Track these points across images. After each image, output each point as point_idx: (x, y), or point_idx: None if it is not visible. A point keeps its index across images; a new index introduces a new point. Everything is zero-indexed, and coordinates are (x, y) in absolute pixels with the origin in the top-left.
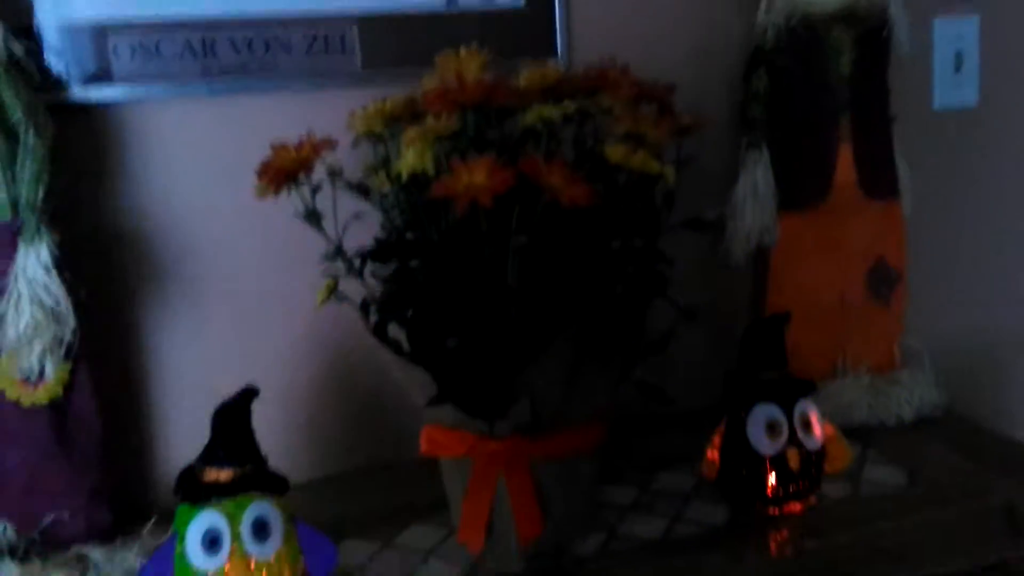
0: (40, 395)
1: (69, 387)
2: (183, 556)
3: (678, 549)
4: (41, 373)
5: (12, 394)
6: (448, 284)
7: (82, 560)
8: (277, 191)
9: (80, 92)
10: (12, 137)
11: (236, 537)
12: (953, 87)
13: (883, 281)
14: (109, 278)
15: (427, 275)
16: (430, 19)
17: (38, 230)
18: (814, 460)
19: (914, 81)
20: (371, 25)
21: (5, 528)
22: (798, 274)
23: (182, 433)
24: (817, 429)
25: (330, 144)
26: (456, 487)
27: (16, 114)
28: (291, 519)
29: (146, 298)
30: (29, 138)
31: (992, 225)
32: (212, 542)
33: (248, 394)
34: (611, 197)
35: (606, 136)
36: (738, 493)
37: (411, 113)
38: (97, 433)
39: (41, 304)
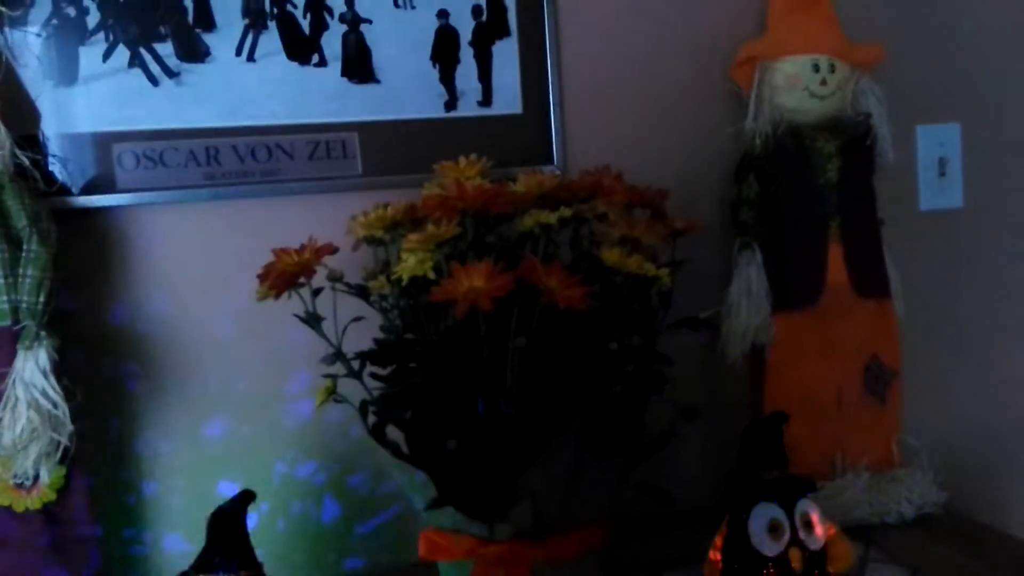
0: (33, 500)
1: (63, 491)
2: None
3: None
4: (35, 478)
5: (4, 500)
6: (447, 386)
7: None
8: (278, 295)
9: (83, 199)
10: (15, 243)
11: None
12: (938, 191)
13: (879, 379)
14: (105, 379)
15: (426, 377)
16: (429, 126)
17: (38, 336)
18: (817, 560)
19: (901, 185)
20: (371, 132)
21: None
22: (795, 372)
23: (176, 536)
24: (819, 528)
25: (330, 249)
26: None
27: (21, 222)
28: None
29: (142, 400)
30: (33, 245)
31: (983, 321)
32: None
33: (245, 498)
34: (608, 298)
35: (602, 239)
36: None
37: (411, 219)
38: (92, 537)
39: (38, 409)
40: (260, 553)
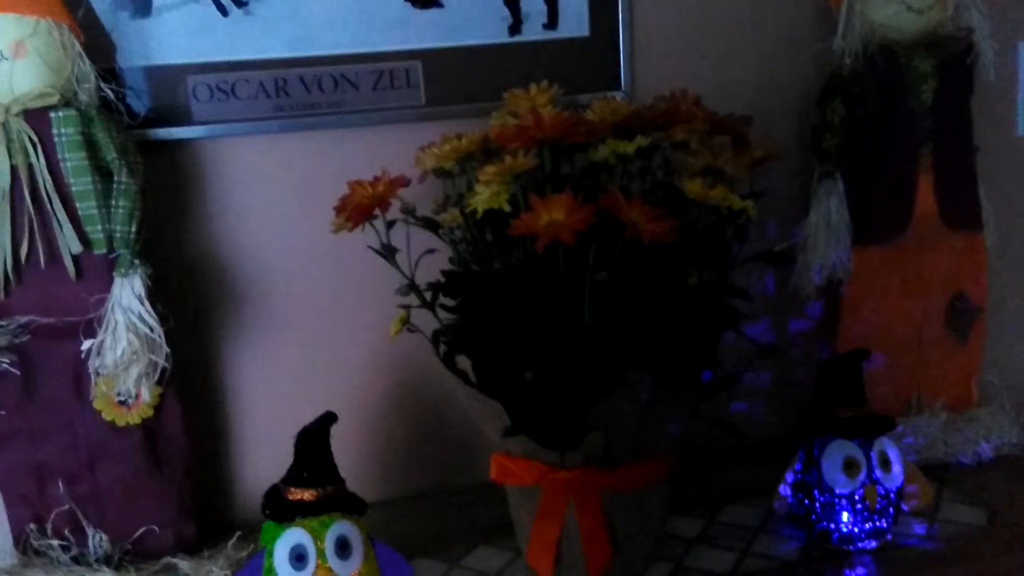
0: (133, 416)
1: (159, 409)
2: (271, 570)
3: None
4: (135, 396)
5: (108, 415)
6: (523, 318)
7: (171, 570)
8: (354, 227)
9: (162, 132)
10: (106, 176)
11: (320, 554)
12: None
13: (962, 316)
14: (188, 307)
15: (500, 309)
16: (493, 52)
17: (132, 263)
18: (892, 498)
19: (996, 108)
20: (435, 59)
21: (101, 539)
22: (873, 309)
23: (258, 454)
24: (897, 467)
25: (404, 181)
26: (523, 513)
27: (110, 154)
28: (369, 538)
29: (223, 326)
30: (123, 177)
31: None
32: (299, 558)
33: (327, 419)
34: (685, 232)
35: (680, 169)
36: (811, 529)
37: (483, 150)
38: (185, 452)
39: (137, 332)
40: None
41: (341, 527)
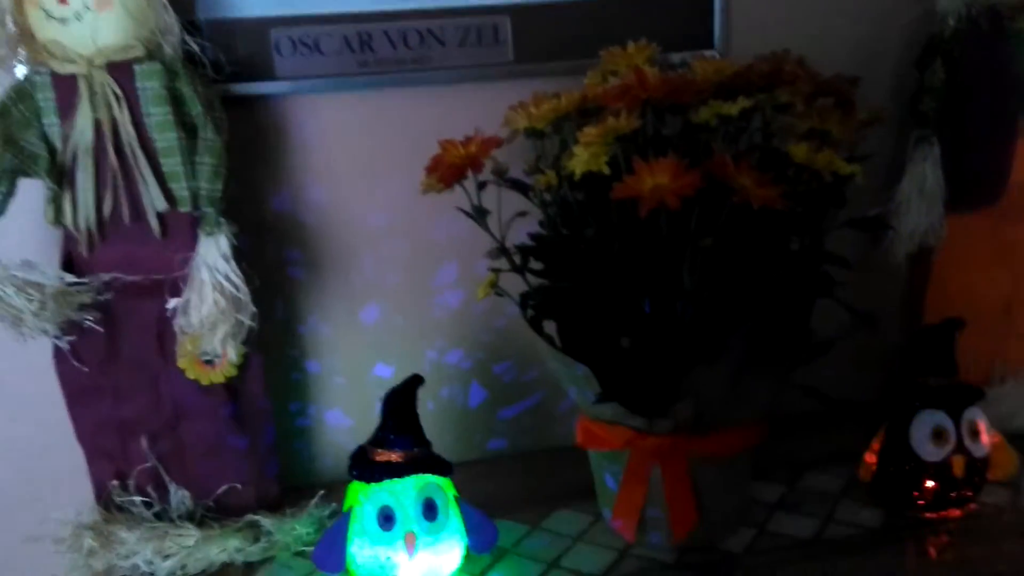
0: (217, 375)
1: (243, 368)
2: (359, 529)
3: (833, 549)
4: (220, 355)
5: (192, 374)
6: (618, 283)
7: (254, 527)
8: (447, 187)
9: (244, 87)
10: (191, 131)
11: (408, 515)
12: None
13: None
14: (269, 265)
15: (594, 274)
16: (582, 7)
17: (218, 222)
18: (979, 467)
19: None
20: (522, 15)
21: (184, 496)
22: (962, 278)
23: (340, 415)
24: (984, 437)
25: (498, 142)
26: (607, 477)
27: (196, 109)
28: (455, 499)
29: (304, 285)
30: (208, 132)
31: None
32: (387, 518)
33: (414, 381)
34: (785, 197)
35: (782, 132)
36: (896, 497)
37: (580, 110)
38: (267, 411)
39: (222, 291)
40: None
41: (428, 488)
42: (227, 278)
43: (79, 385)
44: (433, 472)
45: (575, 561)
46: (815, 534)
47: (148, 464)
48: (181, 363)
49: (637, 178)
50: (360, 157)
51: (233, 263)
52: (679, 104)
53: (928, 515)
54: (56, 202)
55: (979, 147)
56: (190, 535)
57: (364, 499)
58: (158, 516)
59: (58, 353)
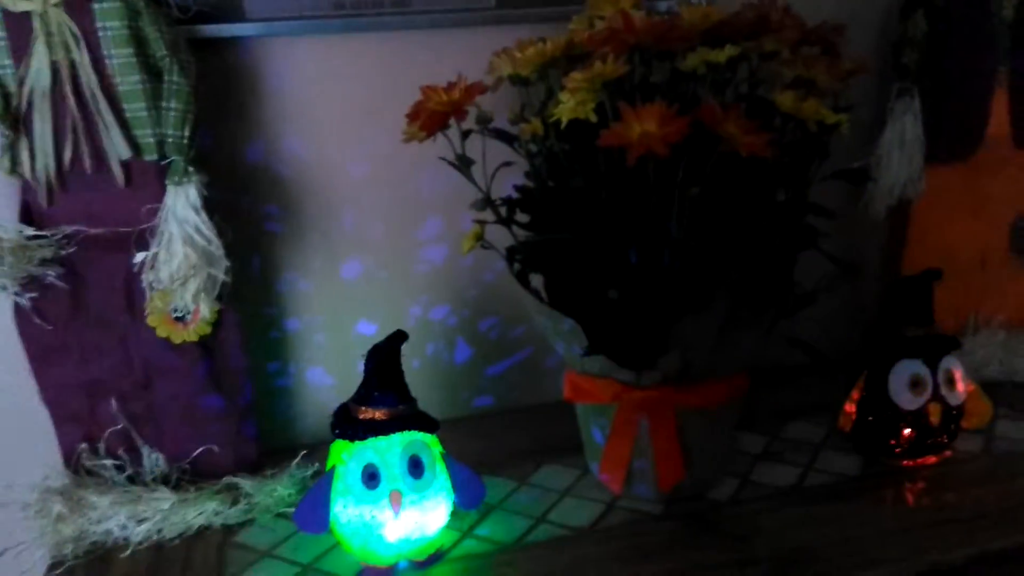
0: (190, 333)
1: (217, 325)
2: (343, 488)
3: (813, 497)
4: (192, 312)
5: (163, 332)
6: (605, 234)
7: (233, 489)
8: (429, 135)
9: (212, 28)
10: (155, 75)
11: (394, 473)
12: None
13: None
14: (244, 219)
15: (581, 225)
16: None
17: (186, 171)
18: (955, 415)
19: None
20: None
21: (157, 459)
22: (940, 229)
23: (319, 370)
24: (960, 386)
25: (482, 88)
26: (595, 431)
27: (161, 51)
28: (442, 456)
29: (282, 240)
30: (175, 76)
31: None
32: (371, 476)
33: (398, 337)
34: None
35: (768, 81)
36: (874, 445)
37: (567, 55)
38: (243, 369)
39: (193, 245)
40: None
41: (414, 446)
42: (197, 230)
43: (43, 344)
44: (418, 429)
45: (563, 515)
46: (796, 482)
47: (119, 426)
48: (151, 320)
49: (624, 125)
50: (338, 105)
51: (204, 215)
52: (665, 50)
53: (905, 462)
54: (12, 150)
55: (957, 99)
56: (165, 498)
57: (348, 458)
58: (131, 480)
59: (19, 311)
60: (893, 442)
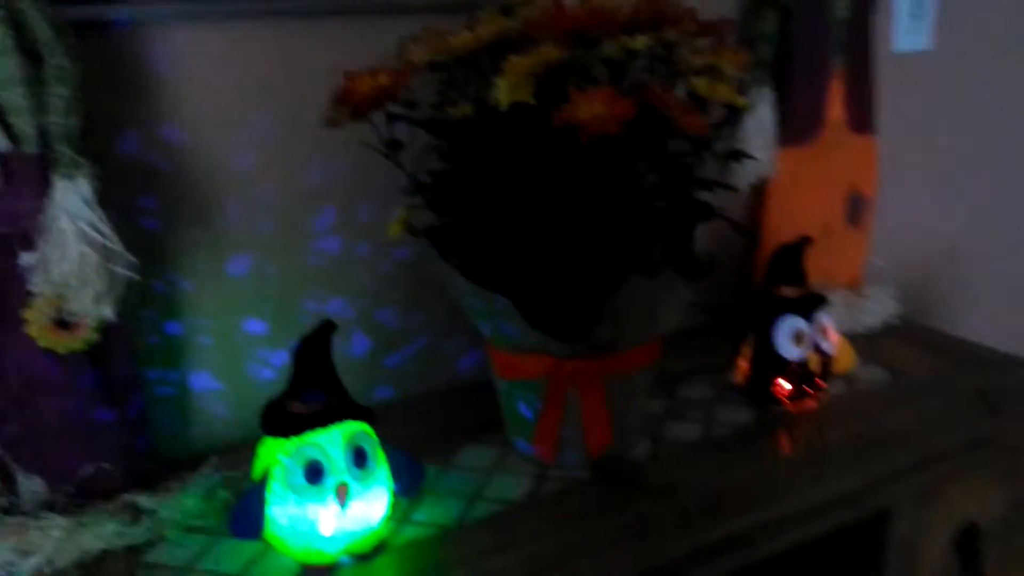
0: (77, 341)
1: (106, 332)
2: (282, 488)
3: (720, 447)
4: (79, 319)
5: (45, 342)
6: (540, 216)
7: (132, 508)
8: (360, 119)
9: (91, 10)
10: (34, 57)
11: (338, 466)
12: (912, 32)
13: (857, 208)
14: (119, 214)
15: (513, 206)
16: None
17: (75, 162)
18: (829, 363)
19: (880, 26)
20: None
21: (35, 484)
22: (791, 203)
23: (204, 375)
24: (833, 336)
25: (408, 74)
26: (520, 406)
27: (45, 33)
28: (380, 444)
29: (161, 236)
30: (58, 60)
31: (944, 155)
32: (315, 472)
33: (327, 327)
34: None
35: (680, 68)
36: (765, 395)
37: (498, 42)
38: (134, 378)
39: (91, 242)
40: None
41: (357, 436)
42: (93, 226)
43: None
44: (357, 419)
45: (497, 491)
46: (703, 436)
47: None
48: (31, 330)
49: (574, 107)
50: (221, 93)
51: (99, 209)
52: (590, 38)
53: (792, 407)
54: None
55: (802, 88)
56: (55, 525)
57: (285, 456)
58: (5, 511)
59: None
60: (781, 390)
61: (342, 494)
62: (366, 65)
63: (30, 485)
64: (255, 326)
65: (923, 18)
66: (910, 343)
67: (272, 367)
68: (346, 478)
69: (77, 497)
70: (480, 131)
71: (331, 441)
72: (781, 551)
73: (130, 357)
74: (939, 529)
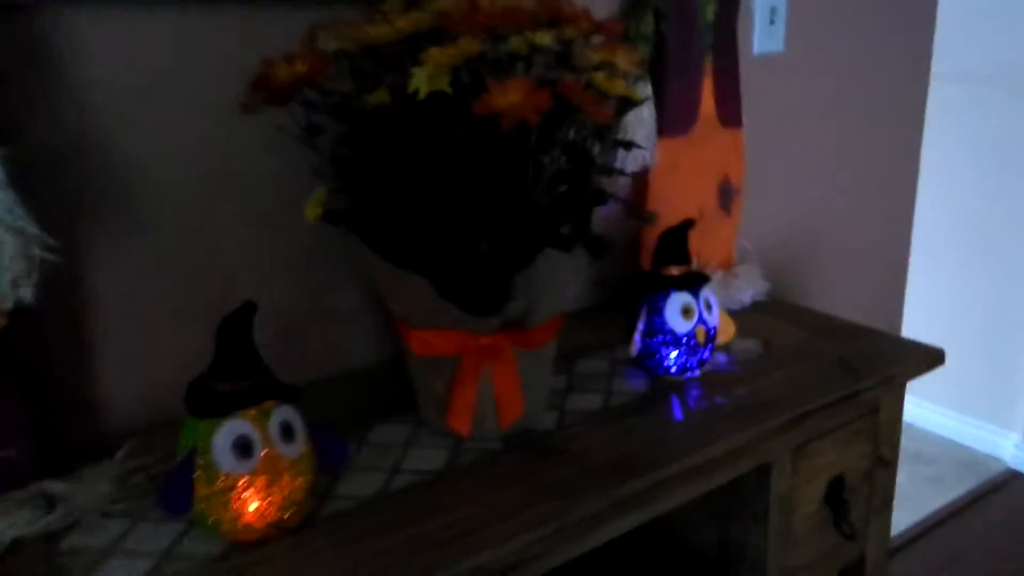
0: None
1: (13, 315)
2: (209, 465)
3: (620, 414)
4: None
5: None
6: (461, 197)
7: (45, 496)
8: (279, 105)
9: None
10: None
11: (267, 441)
12: (769, 36)
13: (727, 195)
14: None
15: (433, 188)
16: None
17: None
18: (713, 335)
19: (742, 31)
20: None
21: None
22: (670, 190)
23: (114, 361)
24: (716, 311)
25: (328, 62)
26: (434, 382)
27: None
28: (305, 422)
29: (70, 219)
30: None
31: (798, 149)
32: (243, 448)
33: (248, 308)
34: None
35: (577, 63)
36: (657, 365)
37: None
38: (42, 363)
39: (8, 227)
40: None
41: (284, 412)
42: (8, 210)
43: None
44: (283, 398)
45: (414, 463)
46: (603, 405)
47: None
48: None
49: (492, 96)
50: (133, 78)
51: (12, 192)
52: (499, 33)
53: (681, 376)
54: None
55: (678, 85)
56: None
57: (212, 433)
58: None
59: None
60: (673, 360)
61: (272, 468)
62: (269, 53)
63: None
64: (160, 312)
65: (777, 24)
66: (777, 317)
67: (179, 351)
68: (277, 452)
69: None
70: (398, 118)
71: (259, 418)
72: (684, 503)
73: (40, 341)
74: (812, 483)
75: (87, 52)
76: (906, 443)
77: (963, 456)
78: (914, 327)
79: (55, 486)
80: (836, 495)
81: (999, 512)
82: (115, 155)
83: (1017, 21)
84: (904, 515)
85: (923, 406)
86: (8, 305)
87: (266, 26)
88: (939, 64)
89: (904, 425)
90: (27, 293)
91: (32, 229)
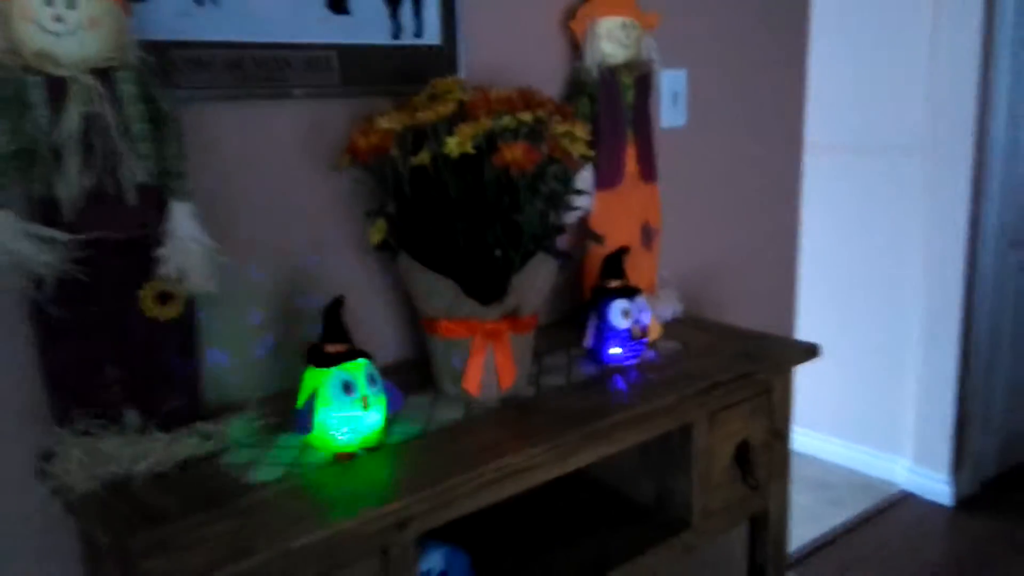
0: (170, 311)
1: (186, 306)
2: (326, 399)
3: (580, 388)
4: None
5: (150, 312)
6: (471, 226)
7: (202, 432)
8: (363, 163)
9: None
10: (154, 122)
11: (362, 384)
12: (673, 113)
13: (648, 235)
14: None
15: (458, 218)
16: (379, 50)
17: (185, 192)
18: (646, 333)
19: (654, 110)
20: (345, 52)
21: (133, 415)
22: (607, 228)
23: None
24: (648, 314)
25: (392, 136)
26: (452, 358)
27: (164, 104)
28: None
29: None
30: (172, 123)
31: (703, 199)
32: (347, 388)
33: (340, 299)
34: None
35: (549, 133)
36: (605, 356)
37: (452, 116)
38: (199, 338)
39: (198, 242)
40: None
41: (369, 366)
42: (199, 232)
43: (50, 327)
44: (365, 357)
45: (440, 416)
46: (567, 383)
47: (111, 393)
48: (143, 304)
49: (502, 154)
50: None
51: (198, 222)
52: (498, 113)
53: (622, 363)
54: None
55: (608, 150)
56: (158, 440)
57: (326, 379)
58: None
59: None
60: (616, 351)
61: (365, 403)
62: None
63: (130, 416)
64: (255, 317)
65: (679, 104)
66: (692, 328)
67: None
68: (367, 392)
69: (163, 425)
70: (436, 171)
71: (355, 369)
72: (630, 447)
73: (193, 328)
74: (724, 444)
75: (230, 131)
76: (811, 474)
77: (861, 481)
78: (804, 368)
79: (208, 426)
80: (743, 456)
81: (892, 528)
82: (239, 200)
83: (867, 101)
84: (806, 530)
85: (829, 440)
86: (182, 297)
87: (326, 114)
88: (814, 134)
89: (809, 459)
90: (212, 286)
91: (209, 243)
